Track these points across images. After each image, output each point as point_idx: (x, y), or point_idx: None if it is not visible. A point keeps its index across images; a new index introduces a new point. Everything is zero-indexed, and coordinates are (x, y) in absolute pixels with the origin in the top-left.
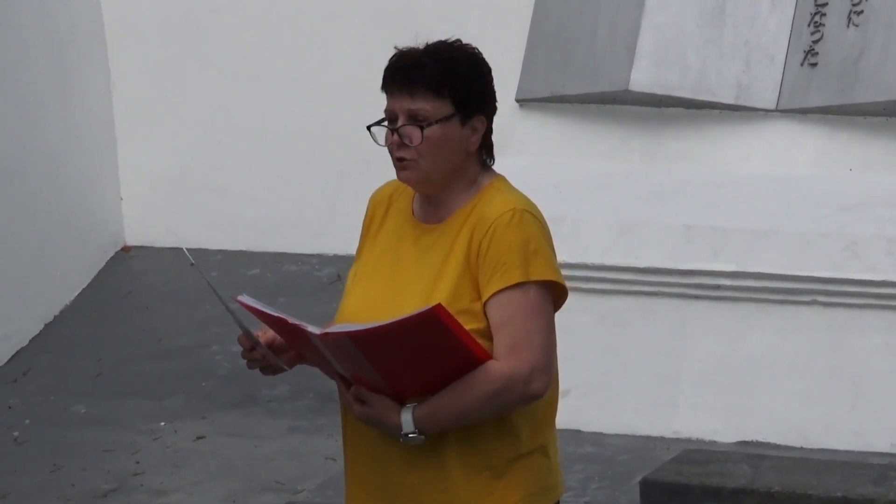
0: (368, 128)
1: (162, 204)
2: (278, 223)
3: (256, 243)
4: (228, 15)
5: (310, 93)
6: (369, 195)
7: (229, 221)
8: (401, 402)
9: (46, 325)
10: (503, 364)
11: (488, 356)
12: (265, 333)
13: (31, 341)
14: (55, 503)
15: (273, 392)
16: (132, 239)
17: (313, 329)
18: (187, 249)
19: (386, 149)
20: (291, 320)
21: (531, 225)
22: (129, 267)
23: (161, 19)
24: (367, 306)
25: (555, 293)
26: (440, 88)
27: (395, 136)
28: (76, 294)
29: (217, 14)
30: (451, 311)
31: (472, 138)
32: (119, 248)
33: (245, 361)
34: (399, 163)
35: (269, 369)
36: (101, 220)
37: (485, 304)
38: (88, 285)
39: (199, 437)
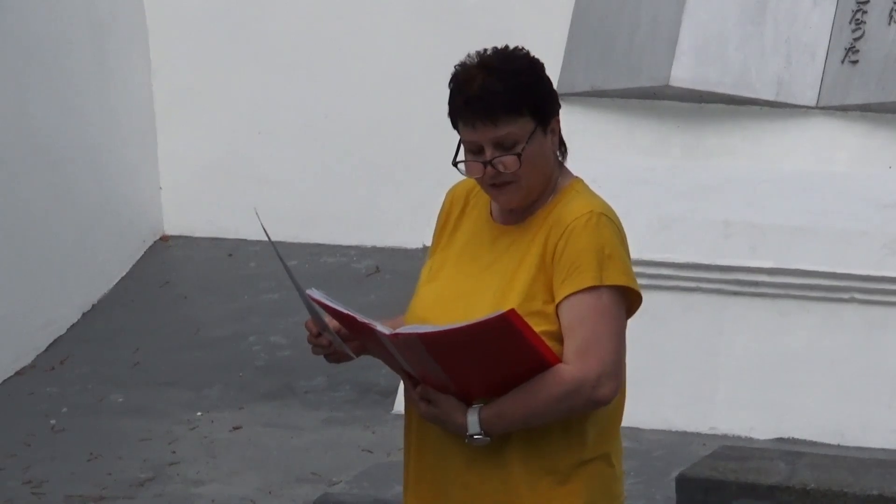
0: (454, 164)
1: (201, 194)
2: (317, 215)
3: (295, 234)
4: (270, 4)
5: (352, 85)
6: (409, 188)
7: (268, 212)
8: (467, 402)
9: (84, 314)
10: (571, 368)
11: (558, 360)
12: (333, 320)
13: (69, 330)
14: (91, 491)
15: (310, 383)
16: (171, 228)
17: (383, 329)
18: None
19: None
20: (361, 318)
21: (608, 229)
22: (167, 256)
23: (202, 8)
24: (440, 304)
25: (628, 300)
26: (520, 108)
27: (490, 168)
28: (114, 283)
29: (258, 3)
30: (523, 312)
31: (553, 139)
32: (158, 238)
33: (283, 351)
34: (496, 189)
35: (334, 356)
36: (140, 210)
37: (557, 307)
38: (127, 274)
39: (235, 428)
